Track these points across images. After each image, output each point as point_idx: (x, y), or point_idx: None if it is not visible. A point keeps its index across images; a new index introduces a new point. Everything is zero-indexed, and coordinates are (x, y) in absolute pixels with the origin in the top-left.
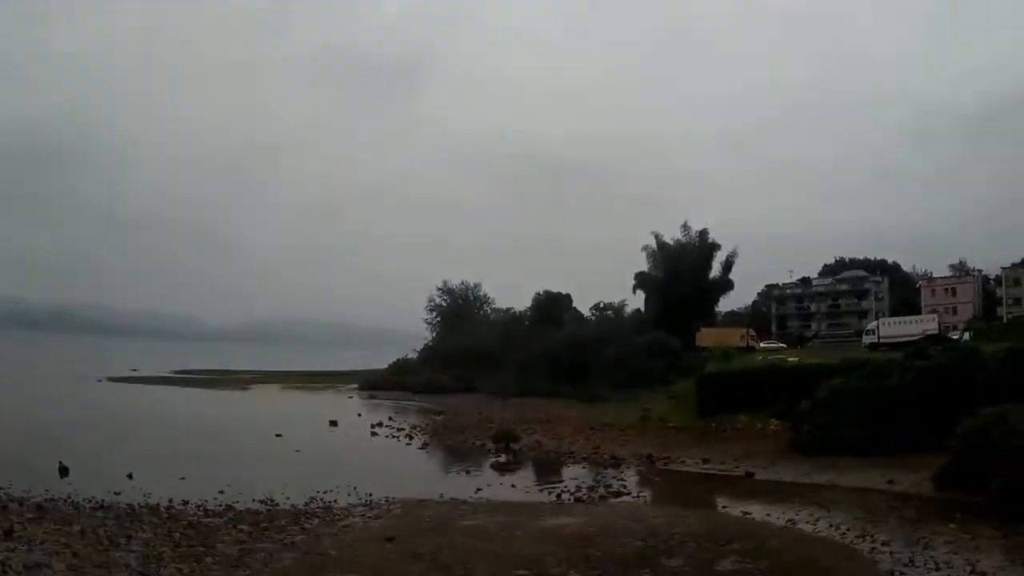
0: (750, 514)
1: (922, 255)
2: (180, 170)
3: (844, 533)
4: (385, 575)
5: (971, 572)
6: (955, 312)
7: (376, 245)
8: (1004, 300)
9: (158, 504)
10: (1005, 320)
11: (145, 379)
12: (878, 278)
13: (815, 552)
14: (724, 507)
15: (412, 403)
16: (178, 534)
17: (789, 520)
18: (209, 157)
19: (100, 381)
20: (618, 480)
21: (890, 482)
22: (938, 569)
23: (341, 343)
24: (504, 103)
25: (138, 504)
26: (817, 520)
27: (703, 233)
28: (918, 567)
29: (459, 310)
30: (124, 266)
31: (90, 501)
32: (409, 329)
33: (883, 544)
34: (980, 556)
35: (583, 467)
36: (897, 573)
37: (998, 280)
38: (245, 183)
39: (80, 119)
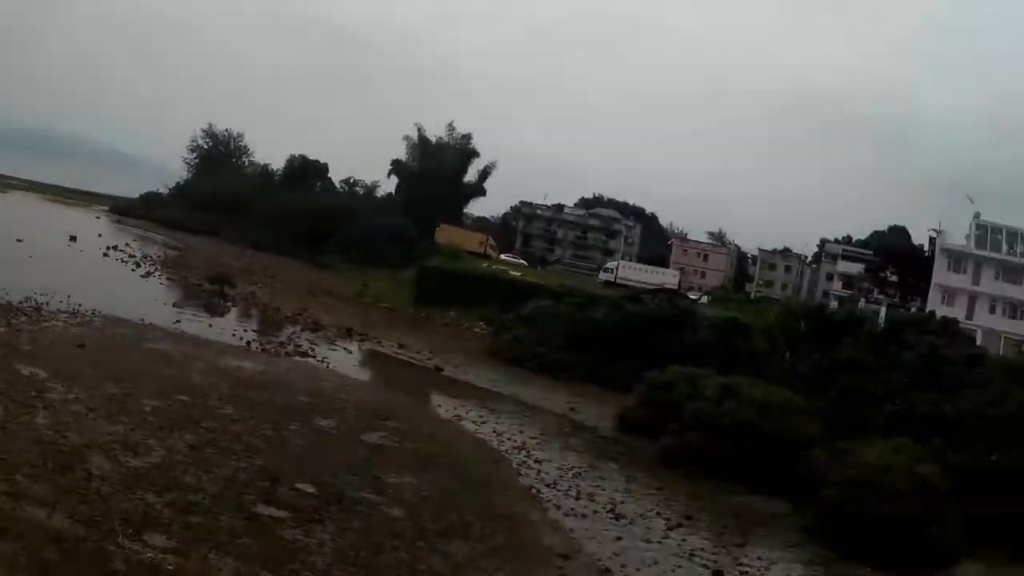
0: (421, 401)
1: (687, 217)
2: None
3: (503, 441)
4: (64, 371)
5: (609, 510)
6: (703, 276)
7: (158, 74)
8: (756, 279)
9: None
10: (752, 297)
11: None
12: (630, 222)
13: (464, 447)
14: (398, 388)
15: (155, 235)
16: None
17: (456, 415)
18: None
19: None
20: (310, 342)
21: (572, 408)
22: (577, 498)
23: (109, 164)
24: None
25: None
26: (483, 423)
27: (466, 137)
28: (559, 490)
29: (219, 156)
30: None
31: None
32: (176, 165)
33: (536, 461)
34: (626, 499)
35: (285, 324)
36: (535, 489)
37: (754, 260)
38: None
39: None
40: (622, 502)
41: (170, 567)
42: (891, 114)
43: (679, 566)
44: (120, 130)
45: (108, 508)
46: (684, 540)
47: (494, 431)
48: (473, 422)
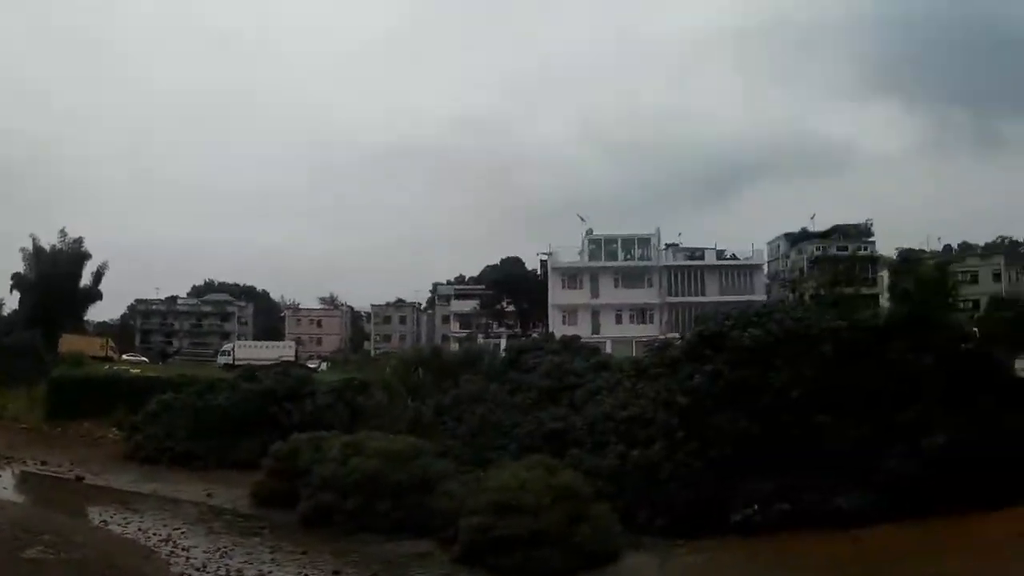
0: (72, 513)
1: (299, 287)
2: None
3: (149, 537)
4: None
5: None
6: (320, 343)
7: None
8: (372, 336)
9: None
10: (372, 354)
11: None
12: (242, 303)
13: (116, 550)
14: (51, 503)
15: None
16: None
17: (103, 521)
18: None
19: None
20: None
21: (209, 495)
22: (228, 575)
23: None
24: None
25: None
26: (128, 523)
27: (78, 241)
28: (208, 572)
29: None
30: None
31: None
32: None
33: (183, 549)
34: (273, 569)
35: None
36: (187, 574)
37: (369, 317)
38: None
39: None
40: (270, 572)
41: None
42: (496, 150)
43: None
44: None
45: None
46: None
47: (139, 529)
48: (119, 524)
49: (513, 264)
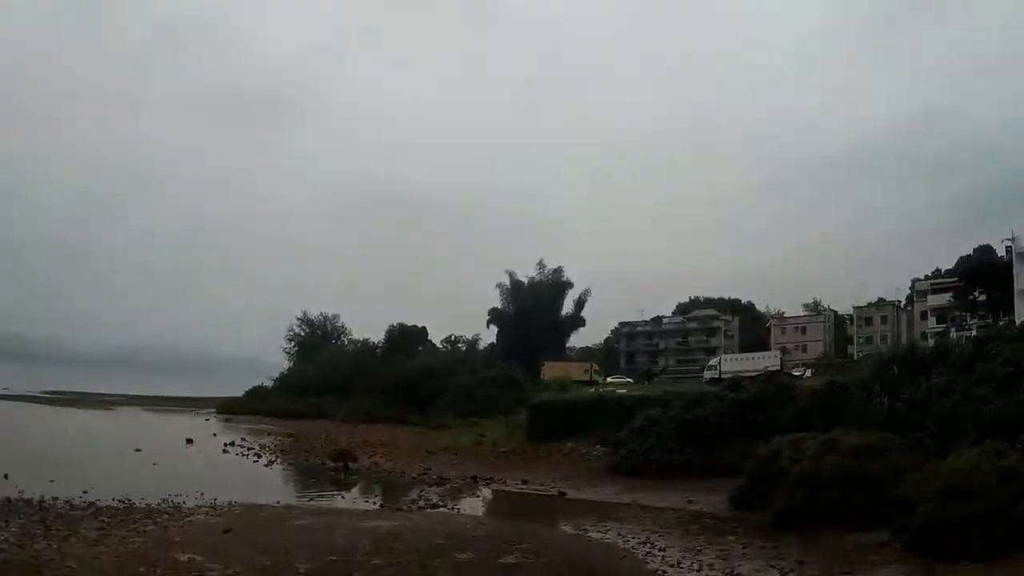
0: (549, 524)
1: (779, 295)
2: (49, 194)
3: (628, 540)
4: (219, 554)
5: (728, 572)
6: (804, 350)
7: (243, 276)
8: (856, 339)
9: (31, 498)
10: (855, 357)
11: (14, 397)
12: (727, 317)
13: (593, 552)
14: (526, 518)
15: (265, 427)
16: (49, 521)
17: (582, 529)
18: (78, 183)
19: None
20: (439, 495)
21: (689, 502)
22: (700, 570)
23: (203, 370)
24: (372, 146)
25: (13, 498)
26: (608, 530)
27: (557, 271)
28: (682, 568)
29: (316, 340)
30: None
31: None
32: (270, 358)
33: (659, 549)
34: (743, 562)
35: (412, 485)
36: (661, 571)
37: (851, 319)
38: (117, 209)
39: None
40: (739, 564)
41: None
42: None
43: None
44: (203, 335)
45: None
46: None
47: (618, 534)
48: (599, 531)
49: (984, 253)
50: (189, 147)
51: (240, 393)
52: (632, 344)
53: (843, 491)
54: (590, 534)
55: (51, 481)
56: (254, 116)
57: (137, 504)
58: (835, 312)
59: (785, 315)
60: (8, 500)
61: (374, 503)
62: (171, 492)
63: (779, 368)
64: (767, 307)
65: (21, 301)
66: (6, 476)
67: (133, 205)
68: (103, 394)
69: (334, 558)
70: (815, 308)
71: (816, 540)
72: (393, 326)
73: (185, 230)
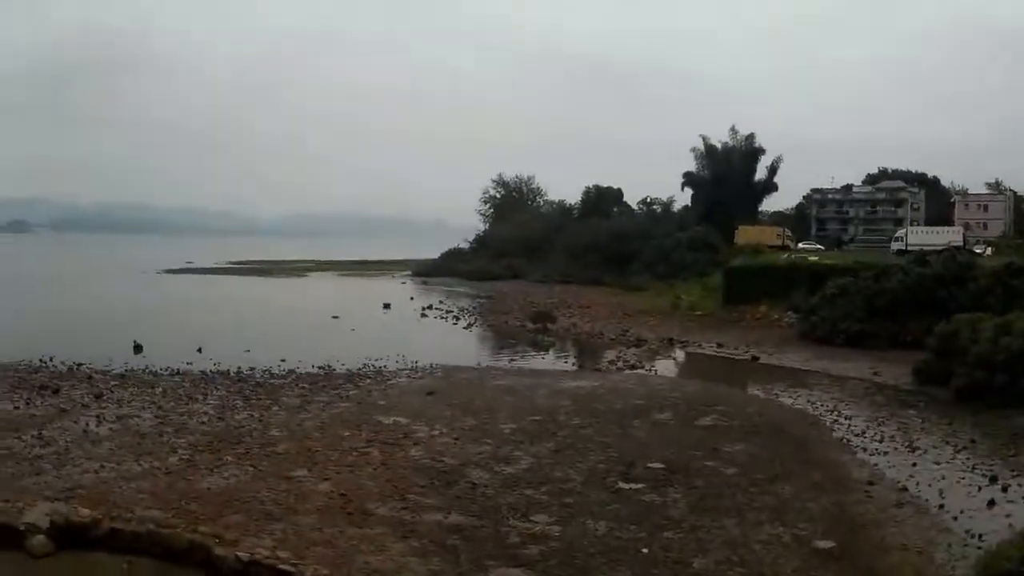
0: (742, 387)
1: (963, 171)
2: (221, 70)
3: (816, 407)
4: (422, 415)
5: (907, 446)
6: (986, 228)
7: (432, 139)
8: None
9: (228, 370)
10: None
11: (201, 270)
12: (915, 189)
13: (784, 417)
14: (721, 380)
15: (462, 289)
16: (248, 391)
17: (773, 394)
18: (254, 53)
19: (159, 273)
20: (637, 357)
21: (875, 373)
22: (881, 441)
23: (397, 234)
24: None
25: (210, 371)
26: (797, 397)
27: (750, 137)
28: (865, 437)
29: (512, 202)
30: (166, 165)
31: (166, 370)
32: (464, 222)
33: (845, 418)
34: (921, 436)
35: (609, 346)
36: (846, 440)
37: None
38: (294, 77)
39: (114, 31)
40: (917, 438)
41: (556, 532)
42: None
43: (963, 478)
44: (405, 200)
45: (494, 504)
46: (968, 459)
47: (808, 401)
48: (789, 397)
49: None
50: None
51: (436, 255)
52: (823, 211)
53: (1018, 375)
54: (781, 399)
55: (246, 351)
56: None
57: (337, 370)
58: (1015, 193)
59: (968, 192)
60: (204, 374)
61: (573, 364)
62: (371, 357)
63: (962, 244)
64: (952, 183)
65: (198, 177)
66: (199, 350)
67: (308, 72)
68: (294, 260)
69: (536, 418)
70: (996, 187)
71: (991, 421)
72: (589, 188)
73: (367, 94)
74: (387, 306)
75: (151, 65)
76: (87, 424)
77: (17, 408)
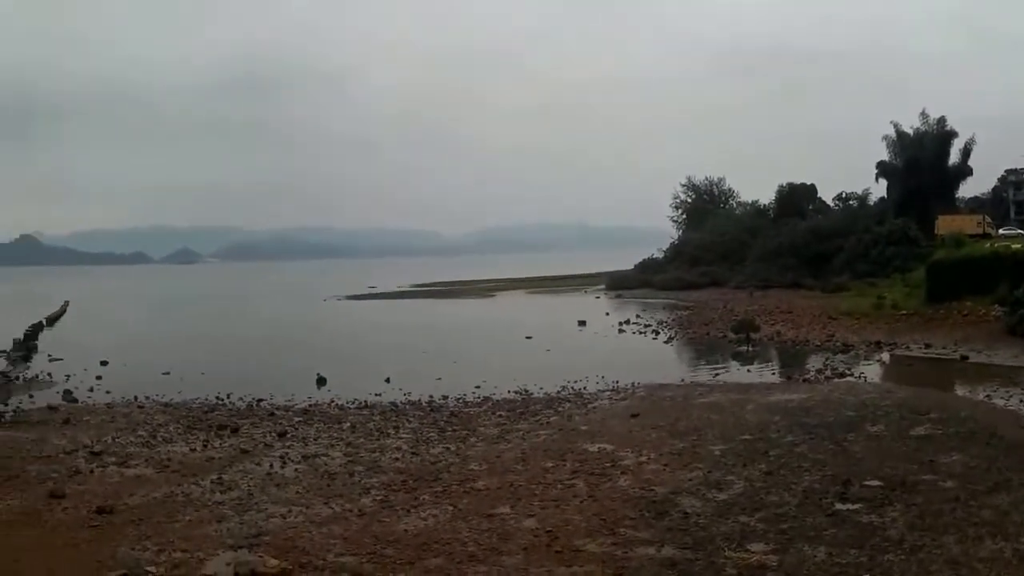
0: (952, 390)
1: None
2: (399, 87)
3: None
4: (628, 442)
5: None
6: None
7: (614, 145)
8: None
9: (419, 400)
10: None
11: (384, 295)
12: None
13: (998, 421)
14: (931, 384)
15: (658, 300)
16: (442, 422)
17: (987, 396)
18: (428, 70)
19: (340, 300)
20: (844, 364)
21: None
22: None
23: (583, 246)
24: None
25: (400, 402)
26: (1011, 397)
27: (941, 120)
28: None
29: (704, 206)
30: (347, 186)
31: (353, 403)
32: (653, 227)
33: None
34: None
35: (815, 353)
36: None
37: None
38: (473, 90)
39: (291, 48)
40: None
41: (774, 562)
42: None
43: None
44: (590, 210)
45: (708, 534)
46: None
47: (1020, 401)
48: (1002, 398)
49: None
50: (540, 15)
51: (627, 266)
52: (1020, 193)
53: None
54: (994, 401)
55: (438, 379)
56: None
57: (535, 394)
58: None
59: None
60: (394, 405)
61: (780, 375)
62: (570, 379)
63: None
64: None
65: (380, 197)
66: (388, 380)
67: (487, 84)
68: (479, 280)
69: (747, 436)
70: None
71: None
72: (782, 186)
73: (547, 102)
74: (582, 323)
75: (324, 82)
76: (271, 465)
77: (194, 450)
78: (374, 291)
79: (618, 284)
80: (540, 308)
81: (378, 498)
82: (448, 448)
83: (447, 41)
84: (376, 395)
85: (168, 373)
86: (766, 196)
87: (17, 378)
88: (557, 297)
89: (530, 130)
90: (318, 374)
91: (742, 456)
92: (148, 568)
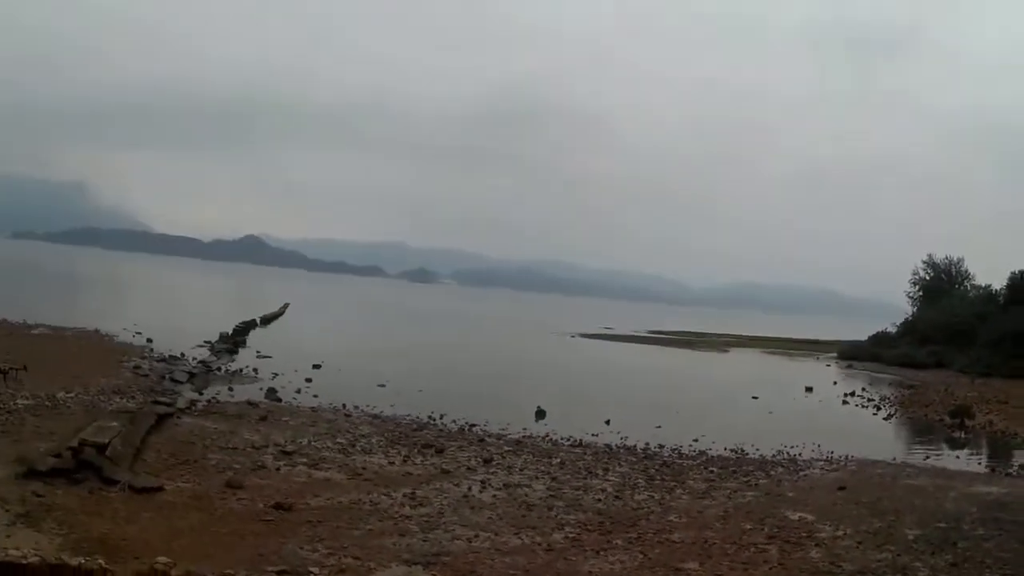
0: None
1: None
2: (658, 135)
3: None
4: (829, 514)
5: None
6: None
7: (858, 218)
8: None
9: (634, 445)
10: None
11: (618, 337)
12: None
13: None
14: None
15: (885, 375)
16: (653, 470)
17: None
18: (691, 125)
19: (573, 336)
20: None
21: None
22: None
23: (824, 311)
24: (984, 76)
25: (615, 445)
26: None
27: None
28: None
29: (940, 285)
30: (592, 226)
31: (568, 439)
32: (892, 300)
33: None
34: None
35: (1021, 447)
36: None
37: None
38: (726, 154)
39: (536, 85)
40: None
41: None
42: None
43: None
44: (825, 275)
45: None
46: None
47: None
48: None
49: None
50: (794, 91)
51: (863, 337)
52: None
53: None
54: None
55: (657, 427)
56: (863, 52)
57: (750, 455)
58: None
59: None
60: (608, 447)
61: (985, 464)
62: (786, 443)
63: None
64: None
65: (626, 240)
66: (607, 422)
67: (738, 150)
68: (715, 334)
69: (941, 524)
70: None
71: None
72: (1016, 273)
73: (800, 173)
74: (809, 389)
75: (585, 121)
76: (469, 488)
77: (392, 464)
78: (609, 332)
79: (850, 354)
80: (771, 368)
81: (571, 536)
82: (652, 496)
83: (709, 107)
84: (593, 435)
85: (384, 386)
86: (1000, 282)
87: (219, 370)
88: (790, 360)
89: (783, 196)
90: (538, 407)
91: (932, 544)
92: (312, 569)
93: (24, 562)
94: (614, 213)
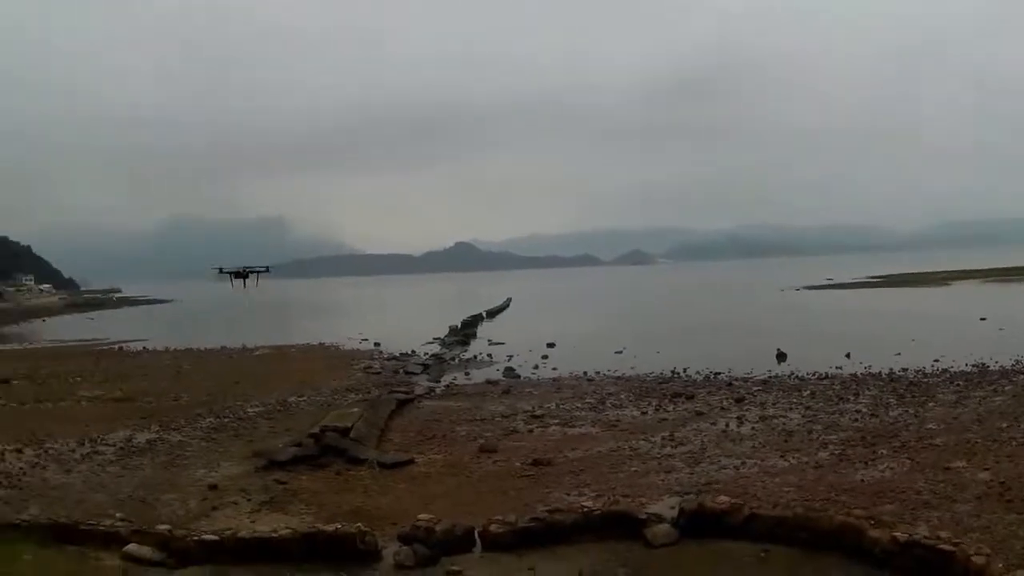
0: None
1: None
2: (857, 76)
3: None
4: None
5: None
6: None
7: None
8: None
9: (879, 372)
10: None
11: (840, 285)
12: None
13: None
14: None
15: None
16: (901, 389)
17: None
18: (880, 59)
19: (798, 290)
20: None
21: None
22: None
23: None
24: None
25: (860, 373)
26: None
27: None
28: None
29: None
30: (792, 183)
31: (813, 374)
32: None
33: None
34: None
35: None
36: None
37: None
38: (920, 83)
39: (725, 47)
40: None
41: None
42: None
43: None
44: None
45: None
46: None
47: None
48: None
49: None
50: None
51: None
52: None
53: None
54: None
55: (897, 354)
56: None
57: (991, 367)
58: None
59: None
60: (854, 376)
61: None
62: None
63: None
64: None
65: (827, 193)
66: (848, 355)
67: (932, 77)
68: (936, 272)
69: None
70: None
71: None
72: None
73: (990, 96)
74: None
75: (776, 81)
76: (727, 424)
77: (644, 414)
78: (831, 282)
79: None
80: (994, 294)
81: (835, 452)
82: (906, 411)
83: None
84: (836, 368)
85: (621, 352)
86: None
87: (453, 359)
88: (1011, 286)
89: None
90: (778, 350)
91: None
92: (585, 504)
93: (274, 535)
94: (812, 168)
